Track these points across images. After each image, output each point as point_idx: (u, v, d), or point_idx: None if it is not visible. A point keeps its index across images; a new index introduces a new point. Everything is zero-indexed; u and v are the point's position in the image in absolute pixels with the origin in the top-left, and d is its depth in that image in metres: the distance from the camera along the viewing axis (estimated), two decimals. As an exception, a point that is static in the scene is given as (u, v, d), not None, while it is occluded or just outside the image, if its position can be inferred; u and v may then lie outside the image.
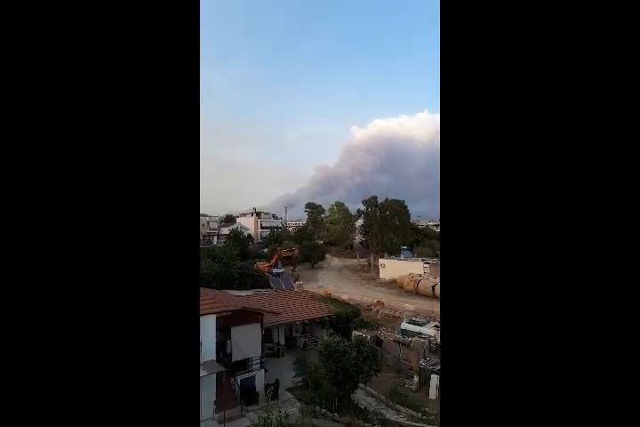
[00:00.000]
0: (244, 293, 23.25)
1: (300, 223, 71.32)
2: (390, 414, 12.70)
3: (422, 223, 66.92)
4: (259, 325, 14.38)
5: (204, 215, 68.76)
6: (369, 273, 40.84)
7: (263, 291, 24.79)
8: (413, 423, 11.86)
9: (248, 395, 12.96)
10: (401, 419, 12.38)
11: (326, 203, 63.41)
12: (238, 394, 12.82)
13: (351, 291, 30.55)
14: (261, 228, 67.25)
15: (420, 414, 12.64)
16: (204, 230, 65.15)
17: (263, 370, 14.01)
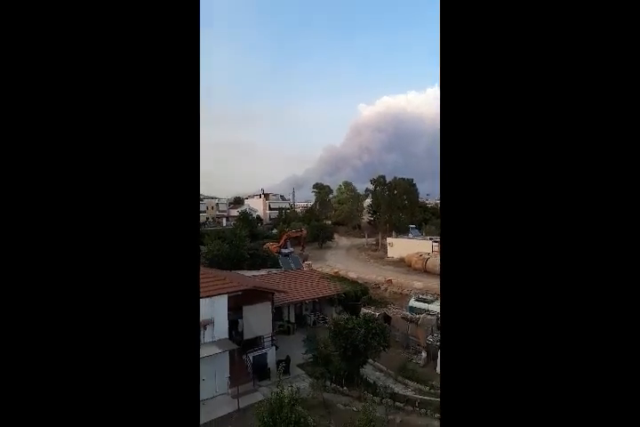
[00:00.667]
0: (254, 273, 23.70)
1: (308, 204, 71.33)
2: (399, 388, 13.10)
3: (431, 202, 66.39)
4: (269, 303, 14.71)
5: (213, 198, 69.21)
6: (377, 252, 41.06)
7: (273, 271, 25.22)
8: (421, 396, 12.23)
9: (260, 371, 13.45)
10: (409, 392, 12.77)
11: (334, 183, 63.14)
12: (251, 370, 13.31)
13: (359, 270, 30.86)
14: (270, 209, 67.54)
15: (427, 388, 13.02)
16: (213, 213, 65.77)
17: (274, 347, 14.45)
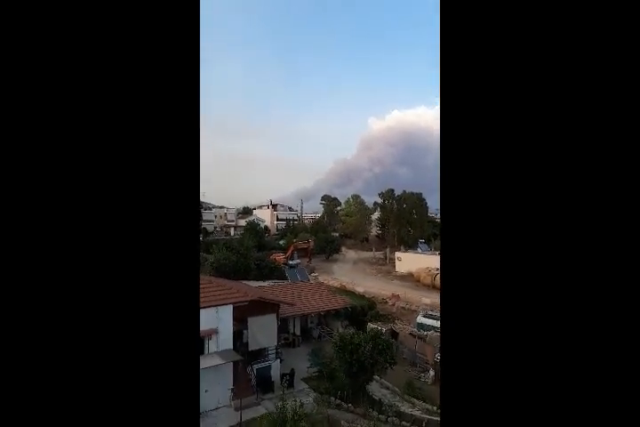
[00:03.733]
0: (260, 283, 23.57)
1: (316, 216, 71.40)
2: (405, 407, 12.70)
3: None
4: (275, 315, 14.54)
5: (221, 207, 69.71)
6: (385, 266, 40.65)
7: (279, 282, 25.06)
8: (428, 416, 11.83)
9: (264, 384, 13.19)
10: (416, 412, 12.36)
11: (344, 195, 63.20)
12: (254, 383, 13.07)
13: (367, 284, 30.51)
14: (277, 220, 67.71)
15: (434, 408, 12.59)
16: (221, 222, 66.12)
17: (279, 360, 14.21)
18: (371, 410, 11.70)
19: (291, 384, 12.85)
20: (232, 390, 12.02)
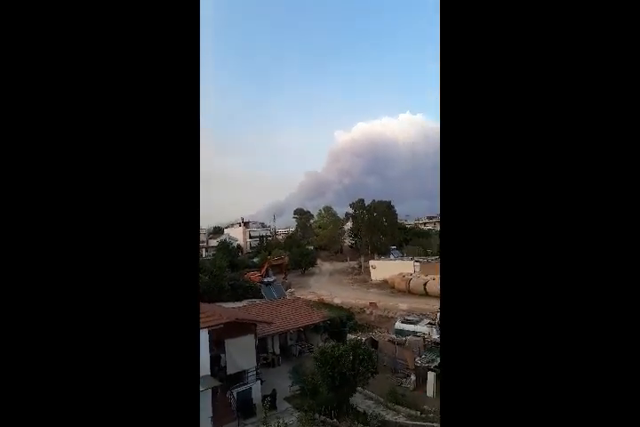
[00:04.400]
0: (236, 304, 23.04)
1: (290, 230, 71.08)
2: (390, 415, 12.72)
3: (409, 222, 67.52)
4: (252, 336, 14.27)
5: (191, 228, 67.64)
6: (360, 275, 40.93)
7: (255, 301, 24.61)
8: (412, 422, 11.92)
9: (245, 408, 12.82)
10: (400, 419, 12.42)
11: (316, 208, 63.42)
12: (235, 408, 12.68)
13: (344, 294, 30.57)
14: (250, 237, 66.73)
15: (418, 413, 12.71)
16: (192, 244, 64.06)
17: (259, 381, 13.89)
18: (356, 423, 11.63)
19: (273, 405, 12.56)
20: (212, 418, 11.59)
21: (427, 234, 54.85)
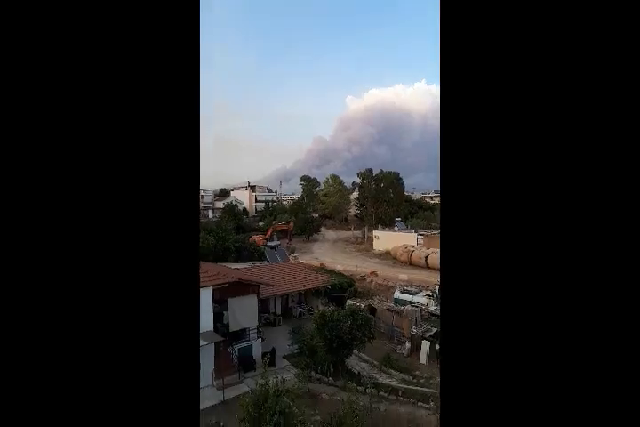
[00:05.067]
0: (240, 265, 23.56)
1: (295, 197, 71.04)
2: (383, 378, 13.33)
3: (416, 195, 67.03)
4: (255, 296, 14.66)
5: (197, 189, 67.94)
6: (363, 245, 41.36)
7: (259, 263, 25.12)
8: (404, 386, 12.48)
9: (246, 363, 13.47)
10: (393, 382, 13.01)
11: (323, 175, 62.91)
12: (236, 362, 13.31)
13: (345, 262, 31.06)
14: (256, 201, 67.01)
15: (410, 378, 13.29)
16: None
17: (260, 339, 14.47)
18: (350, 382, 12.21)
19: (272, 362, 13.15)
20: (214, 370, 12.21)
21: (432, 208, 54.59)
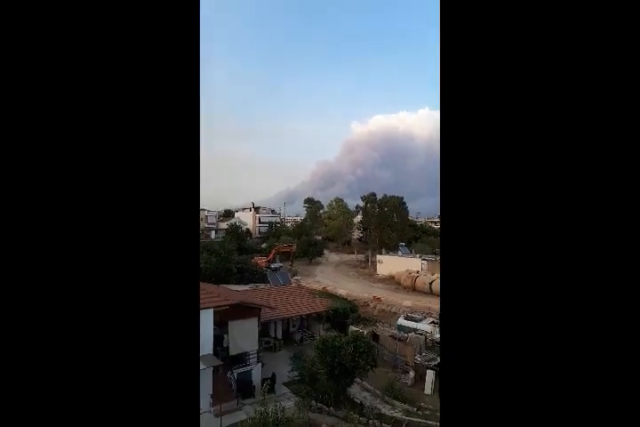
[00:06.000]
0: (241, 287, 23.32)
1: (299, 219, 71.21)
2: (386, 409, 12.79)
3: (420, 220, 66.98)
4: (256, 319, 14.42)
5: (202, 209, 68.50)
6: (366, 269, 40.91)
7: (261, 286, 24.85)
8: (408, 418, 11.96)
9: (245, 389, 13.04)
10: (396, 413, 12.47)
11: (326, 198, 63.43)
12: (235, 388, 12.89)
13: (348, 286, 30.62)
14: (260, 223, 67.11)
15: (415, 409, 12.75)
16: (202, 225, 64.96)
17: (260, 364, 14.08)
18: (352, 413, 11.73)
19: (272, 389, 12.74)
20: (212, 395, 11.81)
21: (436, 233, 54.39)
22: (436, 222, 70.29)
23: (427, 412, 12.55)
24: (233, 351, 13.43)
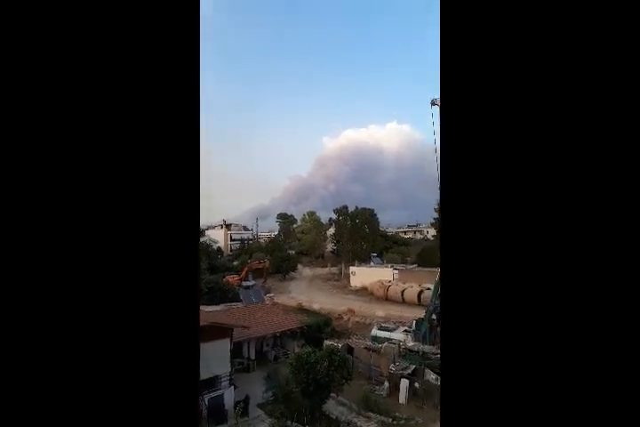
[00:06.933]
0: (212, 308, 22.72)
1: (272, 234, 70.67)
2: (362, 422, 12.77)
3: (391, 230, 68.31)
4: (228, 340, 14.10)
5: (171, 229, 66.27)
6: (340, 281, 41.00)
7: (233, 305, 24.31)
8: (384, 430, 12.00)
9: (216, 414, 12.61)
10: (372, 426, 12.49)
11: (300, 213, 63.33)
12: (206, 414, 12.46)
13: (323, 300, 30.56)
14: (231, 240, 65.96)
15: (390, 420, 12.81)
16: (171, 245, 62.73)
17: (232, 387, 13.71)
18: (328, 429, 11.63)
19: (245, 412, 12.44)
20: (182, 424, 11.34)
21: (406, 242, 55.65)
22: (405, 232, 71.89)
23: (401, 422, 12.65)
24: (204, 375, 13.01)
